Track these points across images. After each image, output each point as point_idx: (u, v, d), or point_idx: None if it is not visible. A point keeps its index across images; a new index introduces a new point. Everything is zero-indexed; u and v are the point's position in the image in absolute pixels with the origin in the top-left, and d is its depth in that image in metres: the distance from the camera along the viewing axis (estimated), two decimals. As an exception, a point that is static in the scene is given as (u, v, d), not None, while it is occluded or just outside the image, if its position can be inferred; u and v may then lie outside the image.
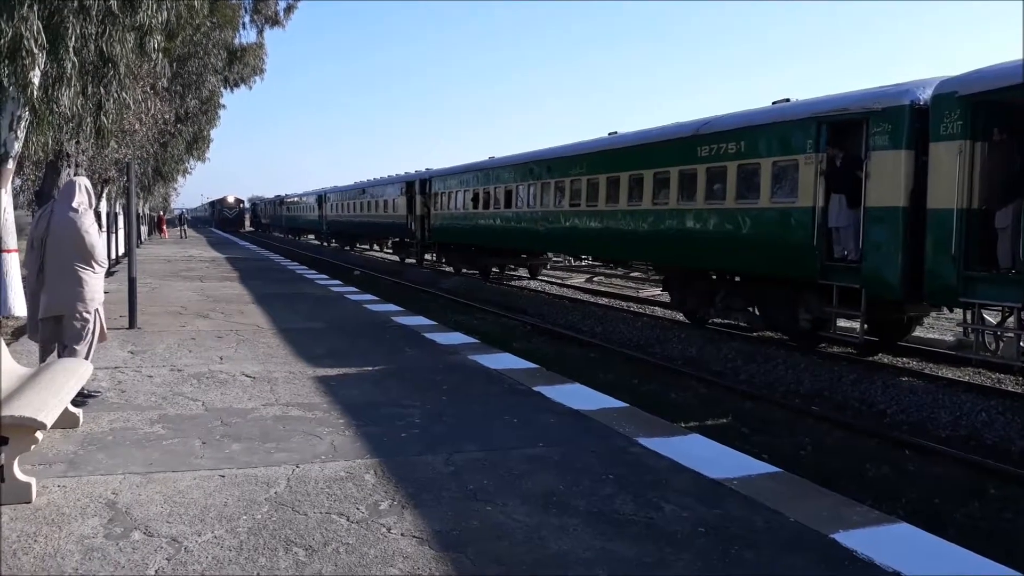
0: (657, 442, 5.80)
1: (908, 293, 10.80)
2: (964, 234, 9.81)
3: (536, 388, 7.55)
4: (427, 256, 33.80)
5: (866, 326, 11.87)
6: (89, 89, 10.30)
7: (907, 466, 7.92)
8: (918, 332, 14.21)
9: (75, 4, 8.64)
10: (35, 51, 8.66)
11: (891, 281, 10.87)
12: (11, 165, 10.86)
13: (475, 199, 26.62)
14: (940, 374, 11.63)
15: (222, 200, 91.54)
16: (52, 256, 6.43)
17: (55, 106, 9.53)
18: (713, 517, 4.38)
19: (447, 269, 31.26)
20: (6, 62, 8.71)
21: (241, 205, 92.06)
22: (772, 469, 5.34)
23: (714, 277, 15.32)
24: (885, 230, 10.90)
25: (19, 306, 13.24)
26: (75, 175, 10.98)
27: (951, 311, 13.78)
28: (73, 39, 8.87)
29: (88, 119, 10.92)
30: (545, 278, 28.25)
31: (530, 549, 3.94)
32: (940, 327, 16.50)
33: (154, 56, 10.99)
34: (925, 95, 10.62)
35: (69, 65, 9.21)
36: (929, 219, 10.26)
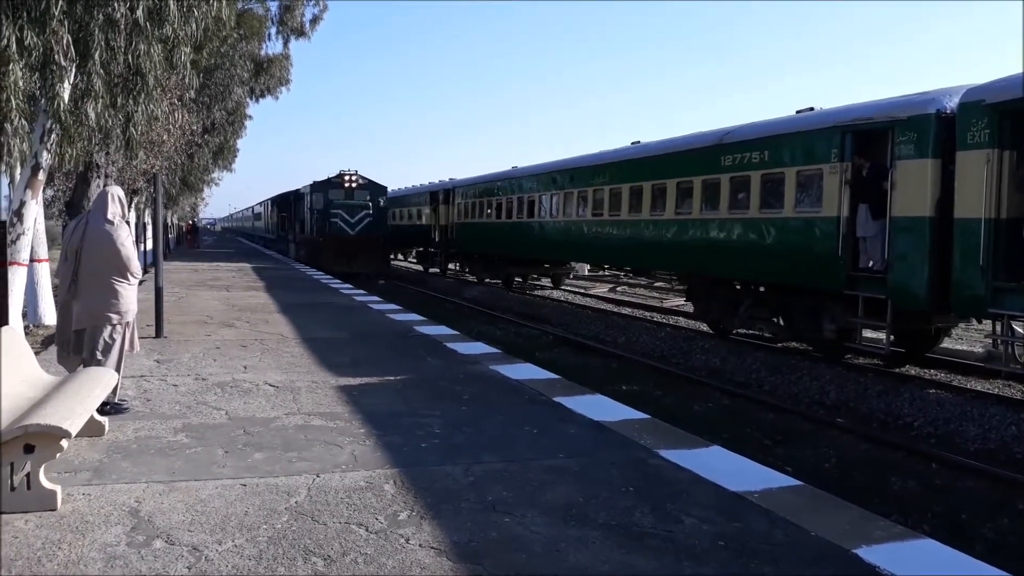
0: (678, 454, 5.76)
1: (935, 304, 10.67)
2: (993, 244, 9.68)
3: (557, 399, 7.54)
4: (450, 266, 33.93)
5: (892, 337, 11.73)
6: (118, 101, 10.47)
7: (934, 480, 7.81)
8: (946, 343, 14.02)
9: (101, 18, 8.78)
10: (64, 64, 8.83)
11: (918, 292, 10.74)
12: (42, 176, 11.05)
13: (498, 209, 26.72)
14: (969, 386, 11.46)
15: (332, 183, 31.65)
16: (86, 267, 6.50)
17: (84, 118, 9.69)
18: (733, 531, 4.34)
19: (470, 279, 31.35)
20: (37, 75, 8.89)
21: (380, 201, 32.19)
22: (794, 482, 5.28)
23: (738, 287, 15.23)
24: (911, 240, 10.78)
25: (49, 315, 13.47)
26: (105, 186, 11.15)
27: (980, 322, 13.58)
28: (100, 52, 9.03)
29: (117, 131, 11.10)
30: (568, 288, 28.24)
31: (548, 561, 3.93)
32: (969, 338, 16.27)
33: (181, 68, 11.14)
34: (952, 103, 10.52)
35: (96, 78, 9.37)
36: (957, 229, 10.13)
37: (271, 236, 50.07)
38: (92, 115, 9.62)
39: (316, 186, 32.10)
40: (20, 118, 8.74)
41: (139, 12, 9.25)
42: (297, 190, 37.21)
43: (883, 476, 7.81)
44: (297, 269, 28.64)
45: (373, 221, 30.99)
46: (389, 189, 33.71)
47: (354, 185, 31.29)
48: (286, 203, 42.09)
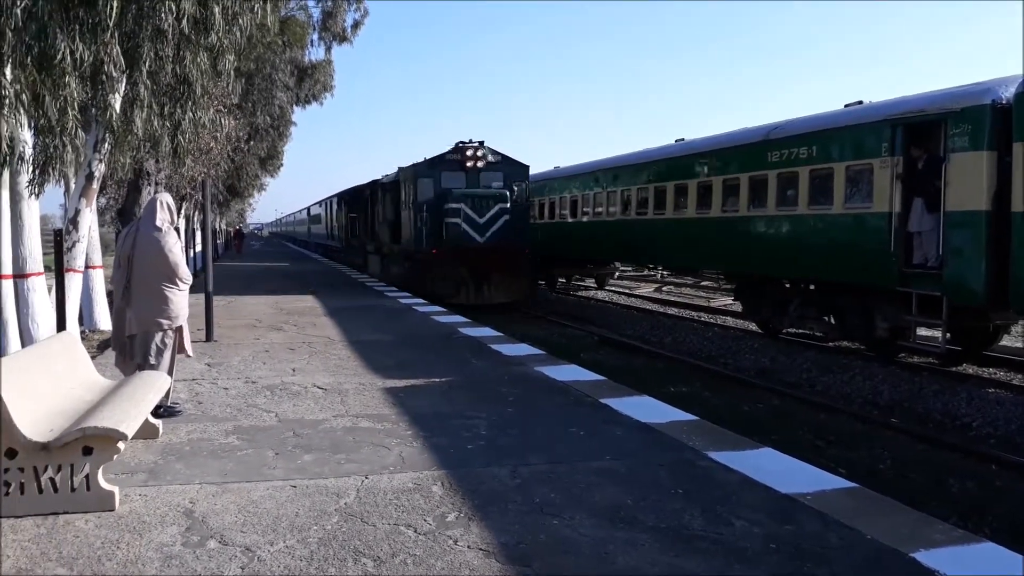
0: (728, 456, 5.68)
1: (993, 300, 10.37)
2: (1053, 238, 9.37)
3: (603, 400, 7.49)
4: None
5: (948, 335, 11.42)
6: (165, 110, 10.67)
7: (994, 482, 7.59)
8: (1005, 341, 13.61)
9: (149, 29, 8.96)
10: (115, 75, 9.03)
11: (974, 288, 10.44)
12: (96, 185, 11.34)
13: (540, 209, 26.68)
14: (1029, 385, 11.10)
15: (445, 162, 20.73)
16: (137, 274, 6.65)
17: (132, 127, 9.91)
18: (785, 533, 4.26)
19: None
20: (88, 86, 9.12)
21: (516, 188, 20.70)
22: (848, 484, 5.17)
23: (787, 285, 14.98)
24: (967, 235, 10.50)
25: (104, 320, 13.81)
26: (155, 192, 11.41)
27: (1040, 319, 13.17)
28: (149, 63, 9.21)
29: (164, 139, 11.31)
30: (612, 288, 28.09)
31: (597, 564, 3.90)
32: (1029, 335, 15.77)
33: (226, 76, 11.33)
34: (1008, 93, 10.22)
35: (143, 88, 9.58)
36: (1015, 223, 9.83)
37: (335, 244, 39.73)
38: (139, 123, 9.84)
39: (421, 169, 20.78)
40: (77, 128, 8.98)
41: (184, 22, 9.41)
42: (379, 181, 26.41)
43: (940, 478, 7.60)
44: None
45: (512, 220, 19.69)
46: None
47: (480, 164, 20.45)
48: (358, 199, 30.94)
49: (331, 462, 5.51)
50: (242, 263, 34.21)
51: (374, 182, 27.39)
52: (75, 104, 8.65)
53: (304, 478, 5.16)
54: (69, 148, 8.98)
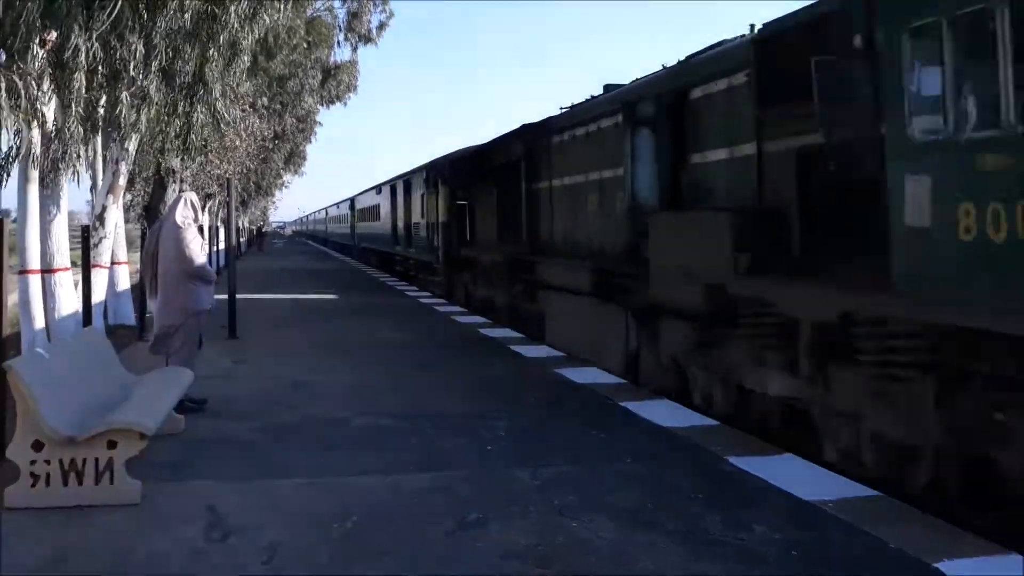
0: (749, 461, 5.63)
1: None
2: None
3: (624, 403, 7.46)
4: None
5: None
6: (179, 108, 10.68)
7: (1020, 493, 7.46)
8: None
9: (163, 27, 8.96)
10: (133, 74, 9.09)
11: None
12: (122, 182, 11.48)
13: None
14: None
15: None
16: (161, 270, 6.78)
17: (137, 125, 9.94)
18: (807, 540, 4.22)
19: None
20: (104, 85, 9.18)
21: None
22: (872, 492, 5.11)
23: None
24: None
25: (128, 316, 13.95)
26: (180, 190, 11.51)
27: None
28: (158, 61, 9.21)
29: (171, 136, 11.30)
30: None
31: (616, 566, 3.89)
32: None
33: (240, 75, 11.34)
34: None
35: (152, 87, 9.61)
36: None
37: (412, 254, 23.48)
38: (144, 121, 9.86)
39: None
40: (77, 124, 9.04)
41: (187, 21, 9.38)
42: (550, 120, 11.96)
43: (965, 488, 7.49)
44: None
45: None
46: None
47: None
48: (486, 170, 15.35)
49: (353, 460, 5.54)
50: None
51: (538, 125, 12.54)
52: (82, 101, 8.70)
53: (327, 476, 5.19)
54: (80, 144, 9.05)
